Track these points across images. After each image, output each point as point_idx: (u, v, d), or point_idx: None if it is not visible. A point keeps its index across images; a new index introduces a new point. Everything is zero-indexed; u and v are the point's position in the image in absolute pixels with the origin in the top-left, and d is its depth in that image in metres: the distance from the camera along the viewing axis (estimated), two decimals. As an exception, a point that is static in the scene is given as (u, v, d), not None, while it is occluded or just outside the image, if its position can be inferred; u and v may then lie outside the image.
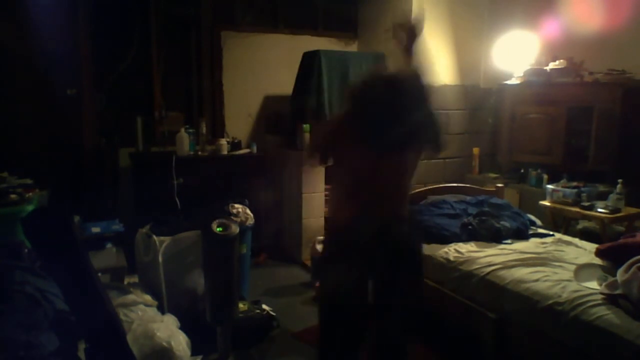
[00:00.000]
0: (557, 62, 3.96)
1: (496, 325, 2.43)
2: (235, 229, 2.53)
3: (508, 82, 4.34)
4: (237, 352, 2.66)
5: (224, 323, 2.53)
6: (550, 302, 2.21)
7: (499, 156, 4.56)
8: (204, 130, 4.16)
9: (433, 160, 4.53)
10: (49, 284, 1.92)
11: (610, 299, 2.13)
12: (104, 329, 1.79)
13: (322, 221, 4.19)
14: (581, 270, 2.43)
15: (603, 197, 3.47)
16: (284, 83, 4.52)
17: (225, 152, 4.09)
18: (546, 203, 3.67)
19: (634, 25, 3.62)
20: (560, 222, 3.76)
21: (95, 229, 3.19)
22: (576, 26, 3.94)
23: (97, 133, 4.00)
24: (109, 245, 3.18)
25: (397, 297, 1.99)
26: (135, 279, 3.11)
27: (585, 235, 3.45)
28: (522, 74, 4.21)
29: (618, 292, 2.11)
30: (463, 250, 2.85)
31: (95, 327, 1.79)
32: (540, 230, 3.23)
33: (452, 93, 4.60)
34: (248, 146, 4.28)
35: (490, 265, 2.61)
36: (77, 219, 3.05)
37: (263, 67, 4.64)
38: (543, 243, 2.97)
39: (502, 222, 3.05)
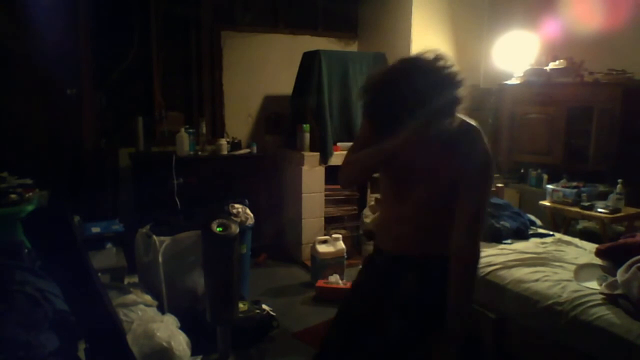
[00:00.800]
0: (557, 62, 3.95)
1: (496, 325, 2.43)
2: (235, 229, 2.53)
3: (508, 82, 4.33)
4: (237, 352, 2.65)
5: (224, 323, 2.53)
6: (550, 302, 2.21)
7: (499, 156, 4.55)
8: (204, 130, 4.17)
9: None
10: (49, 284, 1.92)
11: (610, 299, 2.13)
12: (104, 328, 1.80)
13: (322, 221, 4.20)
14: (581, 270, 2.44)
15: (603, 197, 3.48)
16: (284, 83, 4.52)
17: (225, 152, 4.09)
18: (546, 203, 3.67)
19: (634, 25, 3.62)
20: (560, 222, 3.76)
21: (95, 229, 3.18)
22: (576, 26, 3.93)
23: (97, 133, 4.00)
24: (109, 245, 3.18)
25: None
26: (135, 279, 3.11)
27: (585, 235, 3.45)
28: (522, 74, 4.20)
29: (618, 292, 2.11)
30: (463, 250, 2.84)
31: (95, 327, 1.79)
32: (540, 230, 3.23)
33: (452, 93, 4.59)
34: (248, 146, 4.27)
35: (490, 265, 2.61)
36: (77, 219, 3.04)
37: (263, 67, 4.64)
38: (543, 243, 2.97)
39: (502, 222, 3.05)
